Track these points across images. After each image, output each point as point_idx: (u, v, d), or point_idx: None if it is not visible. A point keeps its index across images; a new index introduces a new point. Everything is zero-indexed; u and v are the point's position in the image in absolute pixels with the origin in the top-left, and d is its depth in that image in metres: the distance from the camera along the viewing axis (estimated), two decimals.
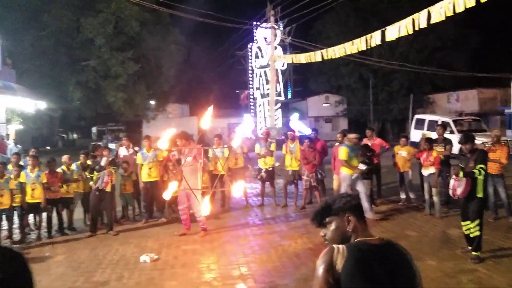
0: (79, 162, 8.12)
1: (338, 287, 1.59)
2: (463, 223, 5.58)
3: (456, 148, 8.69)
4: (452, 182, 5.55)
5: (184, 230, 7.15)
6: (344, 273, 1.59)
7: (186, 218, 7.12)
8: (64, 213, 7.83)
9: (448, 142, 8.07)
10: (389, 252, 1.71)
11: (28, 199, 7.18)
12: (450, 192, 5.62)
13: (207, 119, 5.82)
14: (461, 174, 5.35)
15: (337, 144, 8.75)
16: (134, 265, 5.75)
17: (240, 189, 6.62)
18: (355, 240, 1.74)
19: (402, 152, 8.58)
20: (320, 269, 1.64)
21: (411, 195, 8.58)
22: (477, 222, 5.30)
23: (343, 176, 7.74)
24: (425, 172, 7.71)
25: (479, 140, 8.34)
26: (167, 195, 6.60)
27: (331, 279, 1.60)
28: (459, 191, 5.40)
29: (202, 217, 6.94)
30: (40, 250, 6.75)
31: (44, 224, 7.48)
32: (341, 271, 1.60)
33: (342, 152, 7.65)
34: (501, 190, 7.11)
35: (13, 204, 7.16)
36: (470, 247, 5.49)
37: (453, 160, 7.38)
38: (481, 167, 5.27)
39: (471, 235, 5.37)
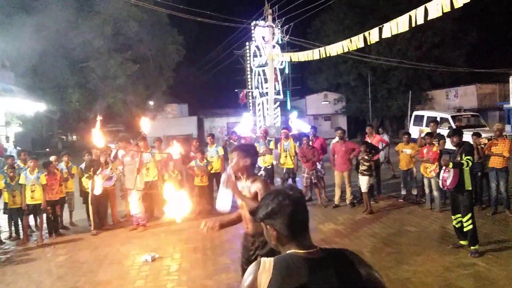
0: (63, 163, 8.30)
1: None
2: (453, 217, 5.68)
3: (449, 144, 8.73)
4: (441, 173, 5.61)
5: (135, 225, 7.69)
6: None
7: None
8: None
9: (441, 138, 8.13)
10: (327, 267, 1.42)
11: (28, 200, 7.22)
12: (440, 183, 5.70)
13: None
14: (450, 164, 5.42)
15: (335, 141, 8.75)
16: (135, 265, 5.78)
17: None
18: (287, 252, 1.48)
19: (406, 150, 8.48)
20: (245, 285, 1.45)
21: (414, 192, 8.61)
22: (469, 216, 5.37)
23: None
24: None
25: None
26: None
27: None
28: (448, 182, 5.47)
29: (139, 214, 7.52)
30: (42, 251, 6.79)
31: (44, 225, 7.52)
32: None
33: None
34: (502, 183, 7.11)
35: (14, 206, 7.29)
36: (461, 242, 5.58)
37: (445, 155, 7.40)
38: (468, 159, 5.34)
39: (465, 229, 5.44)
